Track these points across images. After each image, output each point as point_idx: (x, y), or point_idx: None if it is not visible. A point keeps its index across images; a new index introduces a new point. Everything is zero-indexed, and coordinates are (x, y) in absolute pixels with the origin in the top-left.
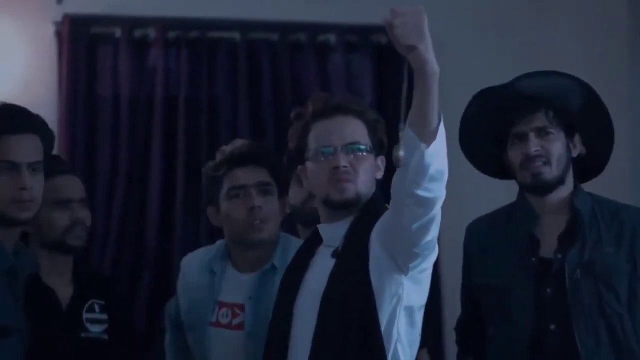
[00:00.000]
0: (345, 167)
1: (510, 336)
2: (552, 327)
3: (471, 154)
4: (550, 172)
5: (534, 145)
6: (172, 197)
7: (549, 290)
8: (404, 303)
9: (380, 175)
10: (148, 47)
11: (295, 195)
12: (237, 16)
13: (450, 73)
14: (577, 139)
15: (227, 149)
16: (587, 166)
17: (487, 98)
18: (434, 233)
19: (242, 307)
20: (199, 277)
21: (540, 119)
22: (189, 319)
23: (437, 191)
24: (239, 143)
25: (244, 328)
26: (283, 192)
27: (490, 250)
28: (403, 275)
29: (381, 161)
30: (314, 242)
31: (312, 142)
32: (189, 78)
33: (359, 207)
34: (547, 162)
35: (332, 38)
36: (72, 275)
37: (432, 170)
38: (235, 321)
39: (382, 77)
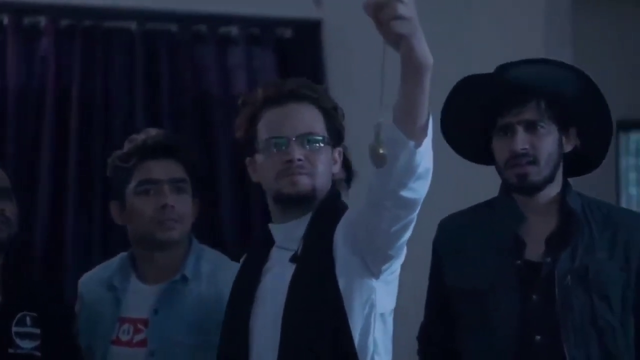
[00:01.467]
0: (299, 159)
1: (488, 347)
2: (538, 338)
3: (454, 141)
4: (538, 172)
5: (522, 141)
6: (62, 197)
7: (534, 297)
8: (378, 310)
9: (336, 169)
10: (38, 35)
11: None
12: (134, 5)
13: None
14: (571, 131)
15: (139, 137)
16: (581, 160)
17: (472, 86)
18: (409, 233)
19: (145, 322)
20: (97, 294)
21: (531, 111)
22: (89, 339)
23: (421, 190)
24: (152, 132)
25: (146, 345)
26: (197, 190)
27: (467, 250)
28: (374, 279)
29: (338, 153)
30: (264, 245)
31: (262, 131)
32: (82, 70)
33: (314, 204)
34: (535, 162)
35: (233, 30)
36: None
37: (421, 169)
38: (137, 338)
39: (285, 72)
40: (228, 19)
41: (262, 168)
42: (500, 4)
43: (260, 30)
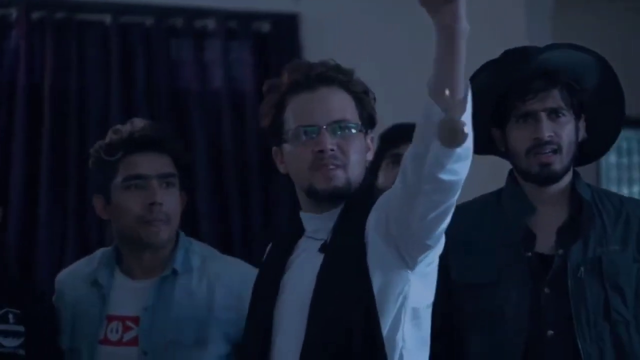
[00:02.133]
0: (332, 150)
1: (499, 344)
2: (550, 332)
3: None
4: (560, 162)
5: (547, 128)
6: (35, 194)
7: (546, 290)
8: (410, 304)
9: (370, 155)
10: (9, 28)
11: (387, 180)
12: None
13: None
14: (582, 121)
15: (125, 128)
16: (585, 149)
17: (500, 66)
18: (448, 220)
19: (135, 320)
20: (79, 292)
21: (555, 98)
22: (72, 340)
23: (461, 172)
24: (138, 123)
25: (137, 344)
26: (184, 183)
27: (474, 243)
28: (409, 271)
29: (371, 139)
30: (292, 235)
31: (290, 119)
32: (55, 63)
33: (349, 195)
34: (558, 150)
35: (210, 24)
36: None
37: (460, 148)
38: (127, 336)
39: (263, 67)
40: (204, 12)
41: (291, 159)
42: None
43: (237, 24)
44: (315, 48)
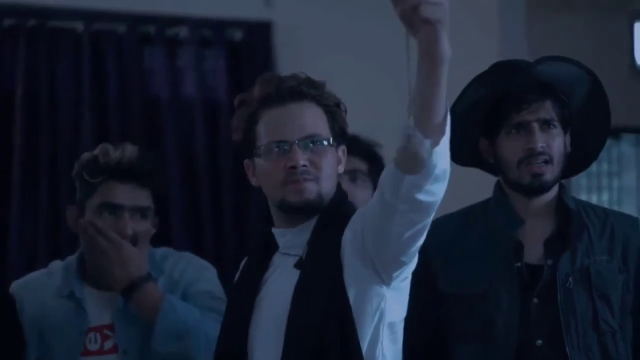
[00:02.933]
0: (304, 165)
1: (489, 354)
2: (539, 342)
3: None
4: (552, 172)
5: (541, 139)
6: (7, 199)
7: (535, 300)
8: (387, 319)
9: (342, 168)
10: None
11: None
12: (81, 4)
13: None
14: (568, 134)
15: (114, 154)
16: (570, 161)
17: (494, 77)
18: (423, 238)
19: (110, 327)
20: (48, 305)
21: (547, 110)
22: (44, 355)
23: (438, 193)
24: (129, 152)
25: (117, 350)
26: (159, 212)
27: (463, 253)
28: (384, 286)
29: (342, 152)
30: (265, 250)
31: (262, 134)
32: (27, 70)
33: (321, 209)
34: (550, 161)
35: (183, 31)
36: None
37: (438, 170)
38: (107, 344)
39: (236, 74)
40: (177, 20)
41: (263, 173)
42: (453, 6)
43: (210, 32)
44: (289, 56)
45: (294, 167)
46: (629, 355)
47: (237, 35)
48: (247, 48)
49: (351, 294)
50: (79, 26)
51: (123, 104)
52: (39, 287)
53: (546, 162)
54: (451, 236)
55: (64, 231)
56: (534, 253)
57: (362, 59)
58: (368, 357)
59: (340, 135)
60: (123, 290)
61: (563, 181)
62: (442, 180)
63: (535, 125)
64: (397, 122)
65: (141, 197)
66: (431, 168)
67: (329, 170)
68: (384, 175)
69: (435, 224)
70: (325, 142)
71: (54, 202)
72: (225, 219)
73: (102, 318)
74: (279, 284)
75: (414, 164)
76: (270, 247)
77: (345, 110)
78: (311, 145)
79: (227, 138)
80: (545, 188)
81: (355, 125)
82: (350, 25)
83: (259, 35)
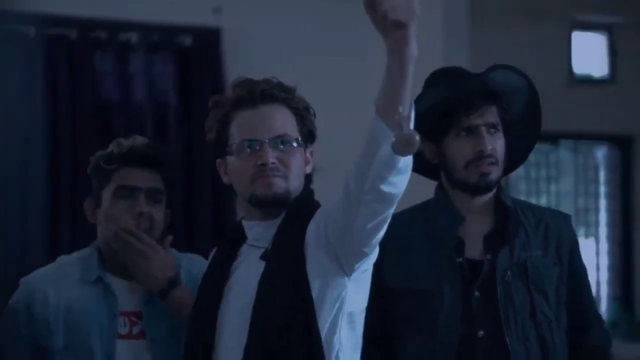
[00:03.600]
0: (273, 163)
1: (433, 347)
2: (480, 333)
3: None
4: (497, 172)
5: (489, 142)
6: None
7: (476, 294)
8: (347, 308)
9: (309, 168)
10: None
11: None
12: (32, 9)
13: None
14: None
15: (126, 142)
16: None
17: (446, 80)
18: (384, 230)
19: (137, 315)
20: (74, 292)
21: (493, 114)
22: (72, 339)
23: (400, 185)
24: (139, 140)
25: (145, 336)
26: (171, 201)
27: (408, 250)
28: (346, 277)
29: (310, 153)
30: (235, 242)
31: (235, 134)
32: None
33: (288, 204)
34: (496, 162)
35: (133, 37)
36: None
37: (401, 163)
38: (135, 329)
39: (185, 79)
40: (128, 26)
41: (235, 171)
42: None
43: (160, 38)
44: (237, 61)
45: (264, 165)
46: (564, 344)
47: (187, 41)
48: (197, 53)
49: (313, 284)
50: (31, 31)
51: (75, 108)
52: (58, 278)
53: (492, 163)
54: (397, 235)
55: (12, 239)
56: (474, 249)
57: (309, 65)
58: (327, 344)
59: (309, 137)
60: (159, 292)
61: (503, 184)
62: (404, 172)
63: (483, 129)
64: (345, 125)
65: (155, 180)
66: (395, 161)
67: (297, 169)
68: (350, 170)
69: None
70: (294, 143)
71: (3, 208)
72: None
73: (129, 305)
74: (246, 274)
75: (411, 145)
76: (239, 238)
77: (314, 114)
78: (281, 145)
79: (177, 140)
80: (490, 187)
81: None
82: (298, 32)
83: (208, 41)
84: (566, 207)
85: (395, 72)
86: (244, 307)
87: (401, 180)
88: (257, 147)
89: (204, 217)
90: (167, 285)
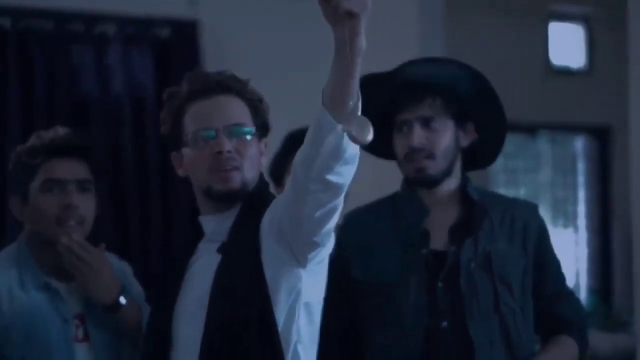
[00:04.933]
0: (229, 152)
1: (398, 338)
2: (444, 324)
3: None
4: (435, 166)
5: (418, 136)
6: None
7: (440, 285)
8: (303, 299)
9: (264, 160)
10: None
11: None
12: (7, 1)
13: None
14: (469, 126)
15: (47, 135)
16: (478, 155)
17: (370, 84)
18: (335, 220)
19: (80, 317)
20: (25, 298)
21: (426, 108)
22: (30, 346)
23: (347, 176)
24: (61, 131)
25: (89, 339)
26: (100, 188)
27: (374, 243)
28: (301, 268)
29: (264, 145)
30: (193, 240)
31: (189, 124)
32: None
33: (244, 197)
34: (431, 156)
35: (110, 29)
36: None
37: (347, 154)
38: (79, 333)
39: (163, 71)
40: (105, 18)
41: (190, 162)
42: (374, 5)
43: (137, 30)
44: (214, 53)
45: (220, 152)
46: (530, 334)
47: (164, 33)
48: (174, 46)
49: (268, 275)
50: (6, 23)
51: (51, 101)
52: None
53: (427, 157)
54: (363, 228)
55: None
56: (439, 240)
57: (285, 59)
58: (284, 334)
59: (263, 129)
60: (113, 304)
61: (481, 173)
62: (351, 163)
63: (415, 124)
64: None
65: (82, 171)
66: (341, 151)
67: (252, 159)
68: (297, 159)
69: (347, 217)
70: (248, 134)
71: None
72: (152, 213)
73: (75, 307)
74: (202, 268)
75: (367, 132)
76: (197, 235)
77: (268, 107)
78: (235, 135)
79: (155, 134)
80: (430, 181)
81: (276, 123)
82: (276, 26)
83: (185, 34)
84: (545, 198)
85: (343, 64)
86: (200, 299)
87: (348, 170)
88: (212, 135)
89: (182, 210)
90: (112, 304)
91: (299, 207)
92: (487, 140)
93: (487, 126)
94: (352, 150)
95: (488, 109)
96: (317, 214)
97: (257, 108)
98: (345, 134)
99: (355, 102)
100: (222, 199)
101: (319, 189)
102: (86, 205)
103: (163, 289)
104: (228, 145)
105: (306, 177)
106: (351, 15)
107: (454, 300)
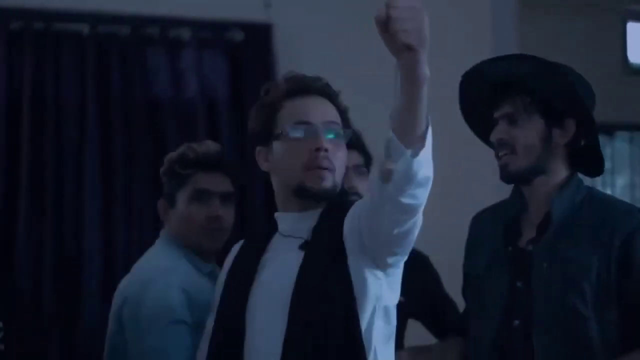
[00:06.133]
0: (326, 150)
1: (479, 330)
2: (516, 322)
3: (476, 131)
4: (515, 161)
5: (498, 132)
6: (14, 203)
7: (518, 283)
8: (383, 302)
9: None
10: None
11: None
12: (85, 7)
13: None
14: (568, 123)
15: (200, 149)
16: (585, 155)
17: (468, 83)
18: (416, 233)
19: None
20: (205, 284)
21: (510, 105)
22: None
23: (421, 197)
24: (211, 146)
25: None
26: (238, 202)
27: (479, 239)
28: (381, 272)
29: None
30: (265, 235)
31: (285, 119)
32: (33, 73)
33: (332, 198)
34: (513, 151)
35: (185, 33)
36: None
37: (420, 177)
38: None
39: (236, 75)
40: (179, 22)
41: (282, 156)
42: (447, 7)
43: (211, 33)
44: (288, 57)
45: (318, 150)
46: (610, 340)
47: (238, 36)
48: (247, 49)
49: (354, 277)
50: (84, 29)
51: (127, 105)
52: (184, 273)
53: (510, 152)
54: (478, 226)
55: (69, 231)
56: (528, 237)
57: (359, 62)
58: (366, 336)
59: (347, 137)
60: None
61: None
62: (424, 185)
63: (500, 121)
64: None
65: (225, 184)
66: (413, 175)
67: (342, 163)
68: (372, 178)
69: (473, 218)
70: (342, 135)
71: (60, 203)
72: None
73: None
74: (281, 265)
75: (384, 173)
76: (269, 230)
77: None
78: (332, 134)
79: (228, 137)
80: (515, 177)
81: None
82: (348, 28)
83: (258, 37)
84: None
85: (407, 94)
86: (280, 298)
87: (421, 193)
88: (312, 130)
89: (258, 212)
90: None
91: (376, 223)
92: (588, 141)
93: (585, 126)
94: (425, 172)
95: (572, 103)
96: (395, 231)
97: (345, 118)
98: (414, 159)
99: (424, 129)
100: (313, 197)
101: (393, 209)
102: (229, 216)
103: (234, 287)
104: (326, 142)
105: (381, 197)
106: (410, 48)
107: (527, 299)
